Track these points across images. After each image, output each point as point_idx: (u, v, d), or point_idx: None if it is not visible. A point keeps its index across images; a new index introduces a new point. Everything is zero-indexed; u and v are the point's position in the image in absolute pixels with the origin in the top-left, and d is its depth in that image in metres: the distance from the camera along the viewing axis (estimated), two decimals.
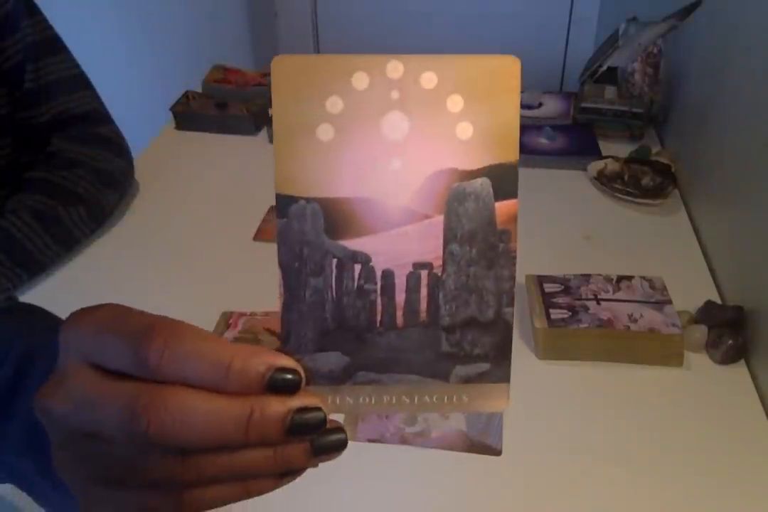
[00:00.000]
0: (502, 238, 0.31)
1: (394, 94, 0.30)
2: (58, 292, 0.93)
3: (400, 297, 0.32)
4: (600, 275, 0.88)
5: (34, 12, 0.99)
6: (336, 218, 0.31)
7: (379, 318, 0.32)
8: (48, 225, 0.95)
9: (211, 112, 1.31)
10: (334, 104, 0.30)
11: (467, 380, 0.32)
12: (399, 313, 0.32)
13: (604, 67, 1.23)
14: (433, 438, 0.74)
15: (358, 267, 0.32)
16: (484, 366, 0.32)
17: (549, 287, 0.87)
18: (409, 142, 0.30)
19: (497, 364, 0.32)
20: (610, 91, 1.26)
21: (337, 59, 0.29)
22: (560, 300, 0.85)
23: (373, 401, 0.32)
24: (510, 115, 0.30)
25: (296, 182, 0.30)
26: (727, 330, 0.82)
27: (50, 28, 1.01)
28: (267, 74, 1.41)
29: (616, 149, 1.21)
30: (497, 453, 0.73)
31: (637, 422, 0.76)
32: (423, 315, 0.32)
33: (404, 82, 0.30)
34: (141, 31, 2.11)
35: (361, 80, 0.29)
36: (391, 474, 0.71)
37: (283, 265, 0.31)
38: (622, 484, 0.70)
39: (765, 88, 0.88)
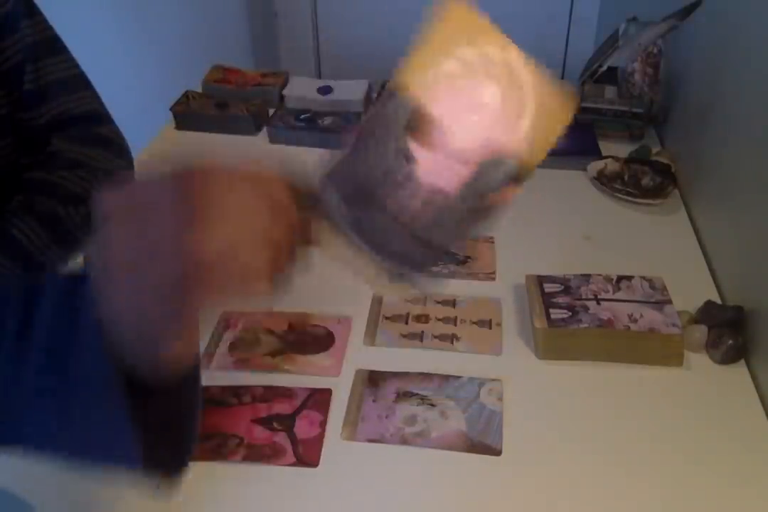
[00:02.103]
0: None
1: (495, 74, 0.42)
2: None
3: (418, 201, 0.43)
4: (600, 275, 0.88)
5: (34, 12, 0.99)
6: (418, 122, 0.42)
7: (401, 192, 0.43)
8: (48, 225, 0.95)
9: (211, 112, 1.31)
10: (465, 54, 0.42)
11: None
12: (416, 201, 0.43)
13: (604, 67, 1.23)
14: (433, 438, 0.74)
15: (406, 165, 0.42)
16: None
17: (549, 287, 0.87)
18: (488, 108, 0.43)
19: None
20: (610, 91, 1.26)
21: (491, 30, 0.42)
22: (560, 300, 0.85)
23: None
24: (552, 139, 0.46)
25: (411, 83, 0.42)
26: (727, 330, 0.82)
27: (50, 28, 1.01)
28: (266, 74, 1.41)
29: (616, 149, 1.21)
30: (497, 453, 0.73)
31: (637, 422, 0.76)
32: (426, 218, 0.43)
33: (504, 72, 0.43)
34: (141, 31, 2.11)
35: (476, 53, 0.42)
36: (391, 474, 0.71)
37: (359, 131, 0.43)
38: (622, 484, 0.70)
39: (765, 88, 0.88)
